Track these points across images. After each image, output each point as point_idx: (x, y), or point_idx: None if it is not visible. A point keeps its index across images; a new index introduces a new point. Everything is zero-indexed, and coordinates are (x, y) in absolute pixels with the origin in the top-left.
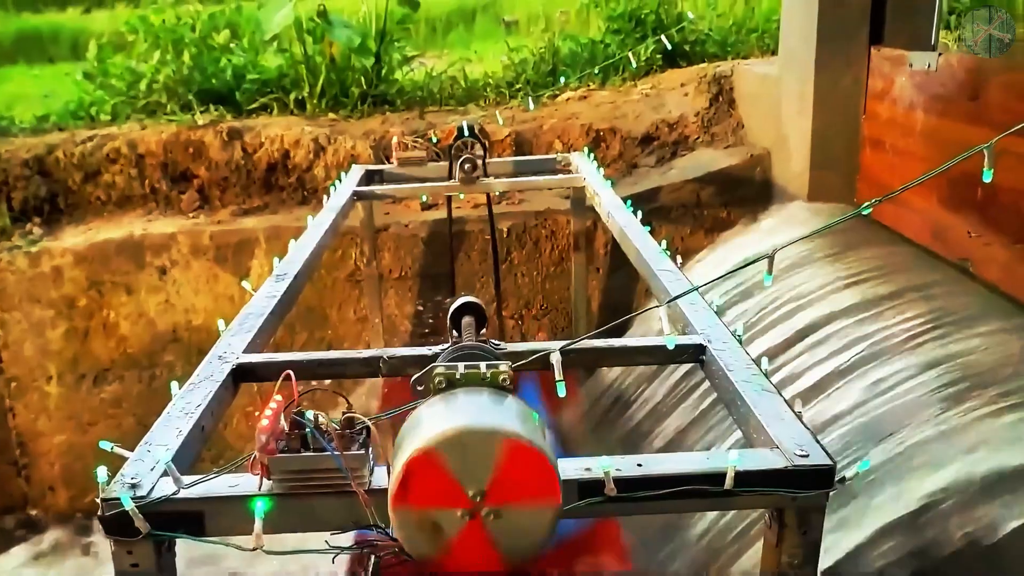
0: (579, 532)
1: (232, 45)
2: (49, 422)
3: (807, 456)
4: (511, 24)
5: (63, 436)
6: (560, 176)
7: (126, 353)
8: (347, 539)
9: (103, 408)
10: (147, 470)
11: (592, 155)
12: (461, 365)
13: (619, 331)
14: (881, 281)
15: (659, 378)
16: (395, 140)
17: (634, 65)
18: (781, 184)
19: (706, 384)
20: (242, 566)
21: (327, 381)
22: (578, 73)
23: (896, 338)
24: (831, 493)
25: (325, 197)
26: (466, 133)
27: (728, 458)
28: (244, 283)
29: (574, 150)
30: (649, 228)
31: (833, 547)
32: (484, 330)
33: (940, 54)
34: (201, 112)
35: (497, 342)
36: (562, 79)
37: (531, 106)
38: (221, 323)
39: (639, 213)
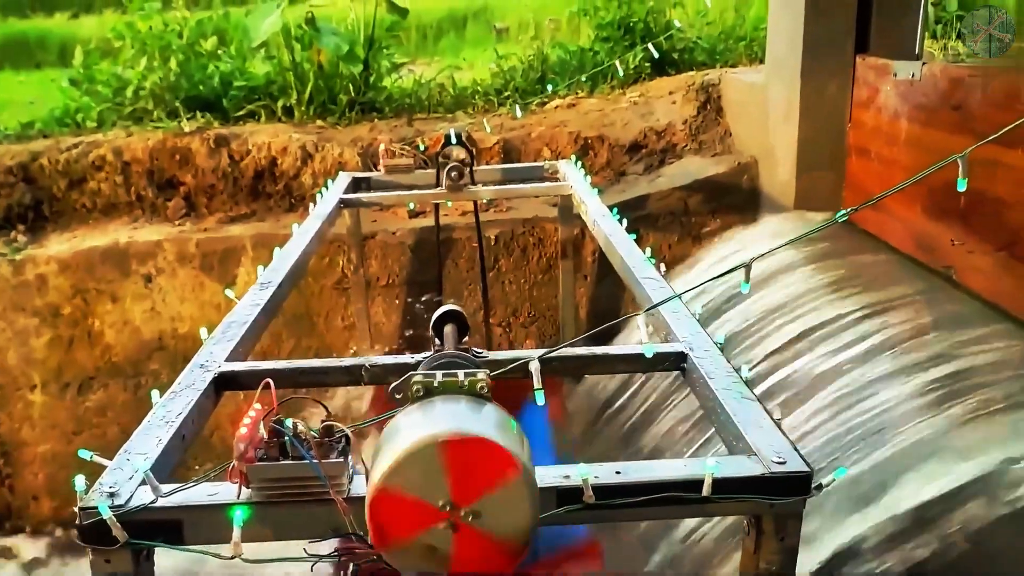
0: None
1: (220, 52)
2: (33, 431)
3: (784, 463)
4: (502, 31)
5: (47, 445)
6: (547, 184)
7: (111, 362)
8: (326, 547)
9: (88, 417)
10: (126, 479)
11: (580, 163)
12: (439, 373)
13: (605, 339)
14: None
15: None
16: (382, 147)
17: (622, 73)
18: (768, 192)
19: None
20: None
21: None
22: (567, 81)
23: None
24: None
25: (311, 204)
26: (453, 141)
27: (706, 465)
28: (227, 291)
29: (562, 158)
30: (635, 236)
31: None
32: (466, 338)
33: (924, 63)
34: (188, 119)
35: (479, 350)
36: (550, 87)
37: (518, 114)
38: (203, 331)
39: (624, 221)
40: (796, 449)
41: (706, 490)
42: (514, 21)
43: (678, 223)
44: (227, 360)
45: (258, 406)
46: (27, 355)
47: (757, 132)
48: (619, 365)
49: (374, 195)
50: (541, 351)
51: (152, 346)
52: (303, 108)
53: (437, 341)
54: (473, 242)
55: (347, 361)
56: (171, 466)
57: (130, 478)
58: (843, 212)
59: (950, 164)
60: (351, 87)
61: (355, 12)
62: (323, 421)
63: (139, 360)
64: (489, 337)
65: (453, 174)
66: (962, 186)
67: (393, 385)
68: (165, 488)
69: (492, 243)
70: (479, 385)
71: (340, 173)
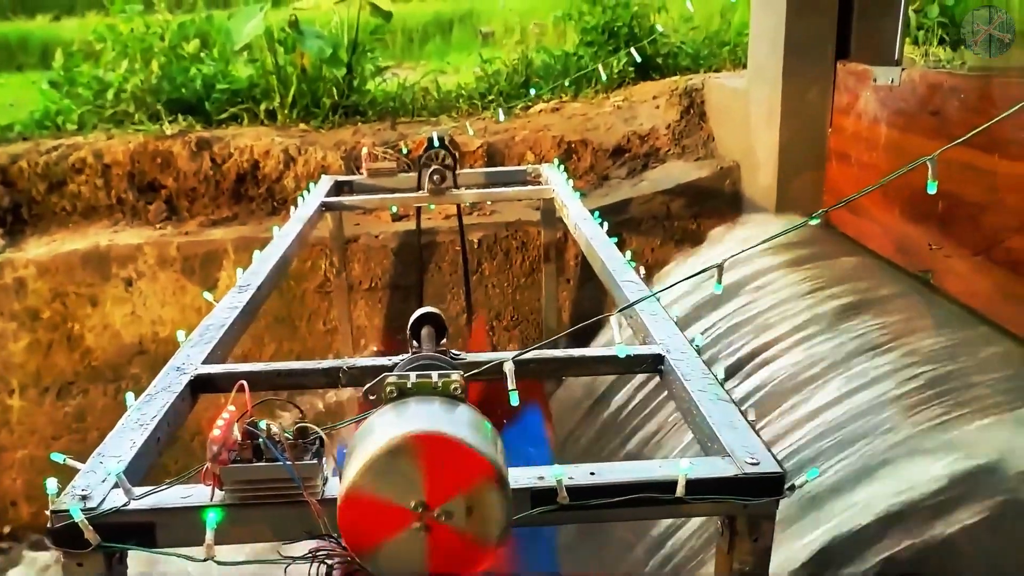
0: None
1: (202, 55)
2: (11, 436)
3: (758, 464)
4: (488, 36)
5: (26, 450)
6: (530, 188)
7: (91, 366)
8: (300, 549)
9: (67, 422)
10: (98, 482)
11: (563, 167)
12: (413, 375)
13: (588, 341)
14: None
15: None
16: (365, 151)
17: (604, 77)
18: (750, 196)
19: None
20: None
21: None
22: (551, 85)
23: None
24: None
25: (293, 208)
26: (436, 144)
27: (679, 466)
28: (206, 294)
29: (546, 162)
30: (617, 239)
31: None
32: (444, 340)
33: (903, 69)
34: (170, 122)
35: (457, 352)
36: (533, 91)
37: (501, 117)
38: (181, 334)
39: (606, 224)
40: (769, 450)
41: (680, 491)
42: (500, 25)
43: (661, 227)
44: (204, 363)
45: (232, 408)
46: (5, 359)
47: (739, 137)
48: (597, 367)
49: (356, 198)
50: (515, 353)
51: (133, 350)
52: (286, 111)
53: (415, 343)
54: (456, 246)
55: (325, 363)
56: (145, 469)
57: (103, 481)
58: (815, 214)
59: (925, 168)
60: (334, 90)
61: (339, 15)
62: (296, 423)
63: (119, 364)
64: (472, 340)
65: (436, 177)
66: (932, 188)
67: (367, 387)
68: (138, 491)
69: (475, 247)
70: (453, 386)
71: (322, 176)
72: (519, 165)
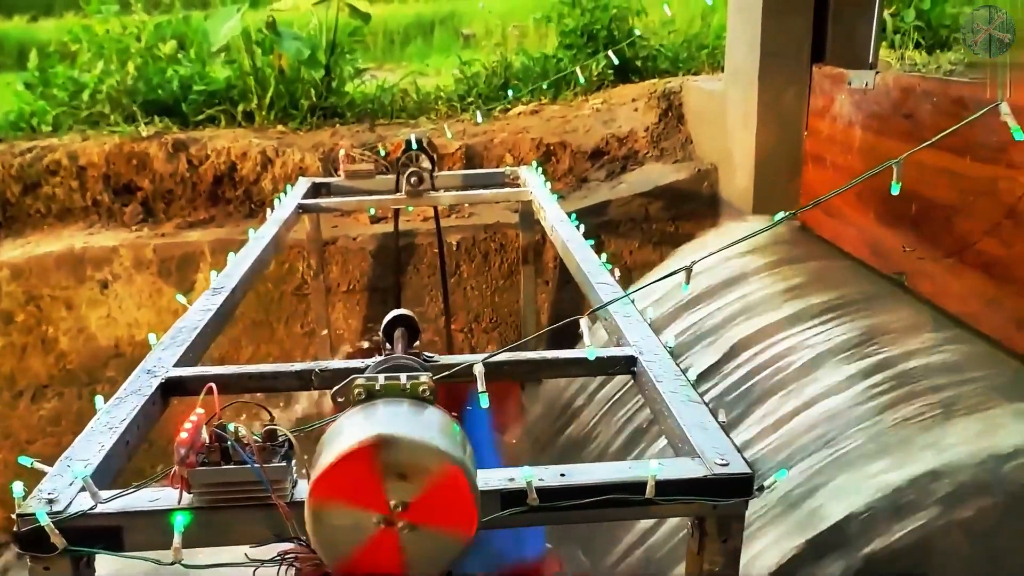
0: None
1: (179, 56)
2: None
3: (727, 465)
4: (469, 38)
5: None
6: (508, 190)
7: (66, 369)
8: (269, 552)
9: (41, 426)
10: (65, 485)
11: (542, 169)
12: (381, 377)
13: (572, 343)
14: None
15: None
16: (342, 152)
17: (583, 80)
18: (727, 198)
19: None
20: None
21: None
22: (530, 87)
23: None
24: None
25: (270, 210)
26: (414, 146)
27: (649, 467)
28: (179, 296)
29: (525, 164)
30: (593, 242)
31: None
32: (417, 343)
33: (878, 73)
34: (146, 123)
35: (430, 354)
36: (511, 92)
37: (479, 119)
38: (152, 337)
39: (583, 227)
40: (739, 451)
41: (649, 492)
42: (481, 28)
43: (639, 229)
44: (176, 365)
45: (201, 411)
46: None
47: (717, 139)
48: (570, 369)
49: (333, 200)
50: (485, 355)
51: (108, 353)
52: (264, 113)
53: (388, 345)
54: (435, 248)
55: (298, 366)
56: (114, 472)
57: (70, 484)
58: (783, 214)
59: (905, 171)
60: (312, 92)
61: (317, 17)
62: (265, 426)
63: (94, 368)
64: (450, 343)
65: (413, 179)
66: (895, 190)
67: (335, 389)
68: (105, 494)
69: (454, 249)
70: (421, 388)
71: (300, 178)
72: (497, 167)
